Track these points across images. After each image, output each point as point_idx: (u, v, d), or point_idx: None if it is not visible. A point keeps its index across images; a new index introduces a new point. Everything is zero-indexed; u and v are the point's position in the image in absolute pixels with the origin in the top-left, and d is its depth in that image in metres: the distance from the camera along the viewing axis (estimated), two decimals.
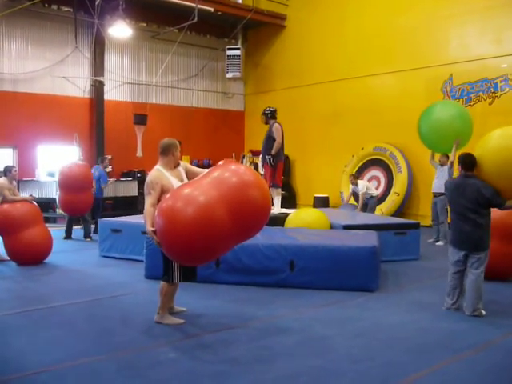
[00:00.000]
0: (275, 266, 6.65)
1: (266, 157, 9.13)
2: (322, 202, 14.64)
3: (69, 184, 10.09)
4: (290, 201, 15.92)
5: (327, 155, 15.67)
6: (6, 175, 8.41)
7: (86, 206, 10.66)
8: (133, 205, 14.53)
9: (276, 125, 9.22)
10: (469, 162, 5.66)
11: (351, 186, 12.19)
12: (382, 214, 13.26)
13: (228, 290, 6.54)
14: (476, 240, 5.58)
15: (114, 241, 8.78)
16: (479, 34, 12.53)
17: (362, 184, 11.92)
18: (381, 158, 14.15)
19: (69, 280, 7.28)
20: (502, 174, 5.50)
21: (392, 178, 13.76)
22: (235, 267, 6.72)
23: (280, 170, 9.45)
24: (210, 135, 17.58)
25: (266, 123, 9.37)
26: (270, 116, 9.31)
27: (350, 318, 5.49)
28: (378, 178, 14.20)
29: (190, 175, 5.28)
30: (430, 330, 5.15)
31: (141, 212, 5.69)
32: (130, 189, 14.77)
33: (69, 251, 9.56)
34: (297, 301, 6.14)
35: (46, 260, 8.51)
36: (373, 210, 11.85)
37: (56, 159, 14.60)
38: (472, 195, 5.54)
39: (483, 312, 5.63)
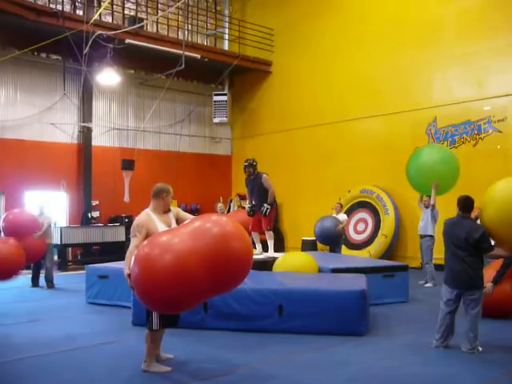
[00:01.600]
0: (264, 311, 6.58)
1: (264, 208, 9.12)
2: (310, 245, 14.61)
3: (16, 230, 9.53)
4: (278, 244, 15.84)
5: (314, 198, 15.74)
6: None
7: (36, 253, 10.07)
8: (120, 250, 14.35)
9: (265, 175, 9.26)
10: (466, 204, 5.88)
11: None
12: (369, 256, 13.27)
13: (216, 336, 6.44)
14: (467, 279, 5.69)
15: (101, 287, 8.66)
16: (461, 78, 12.85)
17: (344, 216, 12.06)
18: (368, 200, 14.25)
19: (53, 328, 7.12)
20: (502, 224, 5.65)
21: (379, 220, 13.82)
22: (224, 312, 6.65)
23: (273, 214, 9.60)
24: (197, 180, 17.64)
25: (251, 174, 9.34)
26: (256, 168, 9.33)
27: (339, 364, 5.41)
28: (365, 221, 14.26)
29: (180, 222, 5.28)
30: (423, 374, 5.09)
31: None
32: (117, 234, 14.66)
33: (54, 298, 9.42)
34: (285, 346, 6.06)
35: (31, 306, 8.36)
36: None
37: (51, 205, 14.55)
38: (463, 235, 5.69)
39: (480, 348, 5.71)
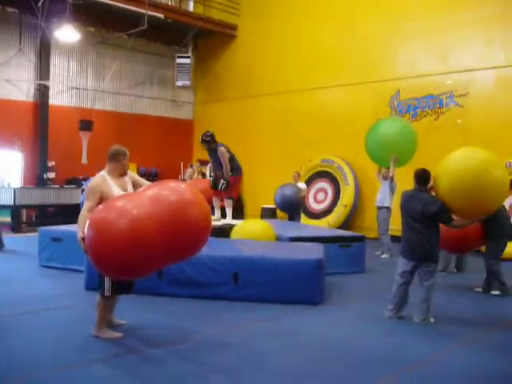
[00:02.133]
0: (219, 278, 6.52)
1: (220, 184, 8.99)
2: (269, 213, 14.60)
3: None
4: (237, 211, 15.80)
5: (275, 166, 15.65)
6: None
7: None
8: (76, 212, 14.00)
9: (221, 148, 8.95)
10: (422, 177, 5.89)
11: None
12: (329, 225, 13.34)
13: (170, 303, 6.37)
14: (424, 251, 5.76)
15: (54, 250, 8.44)
16: (425, 51, 12.83)
17: (303, 185, 12.05)
18: (328, 170, 14.25)
19: (1, 290, 6.93)
20: (456, 194, 5.64)
21: (339, 190, 13.87)
22: (178, 279, 6.56)
23: (237, 184, 9.48)
24: (158, 143, 17.33)
25: (209, 148, 9.11)
26: (212, 140, 9.11)
27: (293, 332, 5.41)
28: (325, 190, 14.29)
29: (137, 187, 5.14)
30: (375, 344, 5.14)
31: None
32: (73, 196, 14.29)
33: (5, 261, 9.17)
34: (240, 314, 6.03)
35: None
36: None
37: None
38: (419, 208, 5.72)
39: (431, 319, 5.83)
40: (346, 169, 13.81)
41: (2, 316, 5.73)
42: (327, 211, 13.93)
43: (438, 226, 5.81)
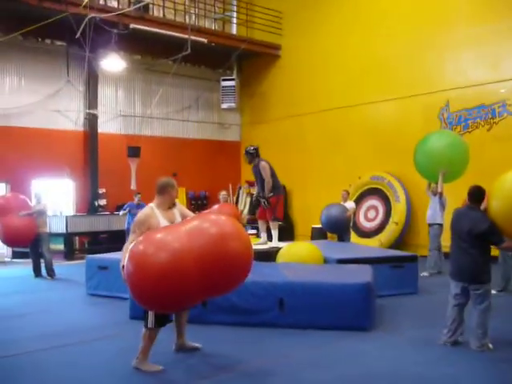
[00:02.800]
0: (264, 304, 6.32)
1: (261, 200, 8.89)
2: (320, 234, 14.31)
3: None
4: (287, 232, 15.62)
5: (325, 185, 15.40)
6: None
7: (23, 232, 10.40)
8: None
9: (263, 163, 8.86)
10: (474, 195, 5.54)
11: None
12: (381, 244, 12.98)
13: (215, 331, 6.20)
14: (471, 272, 5.42)
15: (101, 278, 8.45)
16: (475, 60, 12.43)
17: (351, 204, 11.72)
18: (378, 187, 13.91)
19: (48, 321, 6.92)
20: (509, 217, 5.30)
21: (390, 208, 13.49)
22: (222, 306, 6.40)
23: (280, 203, 9.26)
24: (206, 166, 17.37)
25: (251, 162, 9.01)
26: (256, 154, 8.99)
27: (341, 361, 5.15)
28: (375, 208, 13.93)
29: (184, 219, 5.11)
30: (428, 375, 4.80)
31: None
32: (124, 222, 14.42)
33: (54, 289, 9.27)
34: (286, 342, 5.80)
35: (29, 298, 8.26)
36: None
37: (50, 193, 14.43)
38: (466, 226, 5.39)
39: (490, 346, 5.42)
40: (397, 185, 13.42)
41: (49, 348, 5.69)
42: (379, 229, 13.55)
43: (487, 245, 5.44)
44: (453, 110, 12.78)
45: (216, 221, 4.70)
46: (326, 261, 8.17)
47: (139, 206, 12.40)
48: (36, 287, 9.61)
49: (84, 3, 12.89)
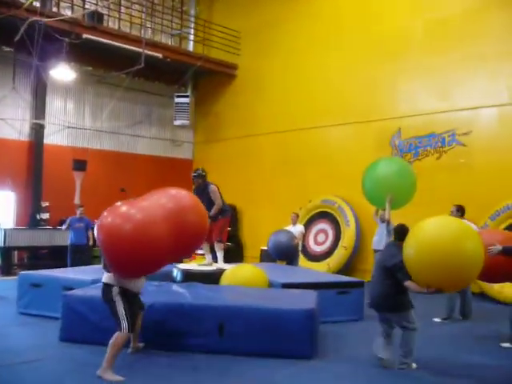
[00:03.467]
0: (202, 328, 6.02)
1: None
2: (269, 256, 14.08)
3: None
4: (236, 253, 15.37)
5: (275, 206, 15.22)
6: None
7: None
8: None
9: (212, 186, 8.75)
10: (398, 233, 5.78)
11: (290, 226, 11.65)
12: (329, 268, 12.85)
13: (148, 355, 5.86)
14: (384, 302, 5.54)
15: (34, 296, 7.97)
16: (427, 89, 12.55)
17: (300, 228, 11.55)
18: (329, 210, 13.83)
19: None
20: (416, 262, 5.23)
21: (340, 232, 13.41)
22: (158, 329, 6.07)
23: (225, 226, 9.14)
24: (155, 183, 16.66)
25: (199, 186, 8.83)
26: (205, 177, 8.86)
27: None
28: (325, 232, 13.82)
29: None
30: None
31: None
32: (67, 237, 13.84)
33: None
34: (222, 370, 5.50)
35: None
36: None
37: None
38: (383, 259, 5.66)
39: (413, 365, 5.53)
40: (347, 210, 13.36)
41: None
42: (328, 253, 13.44)
43: (396, 278, 5.44)
44: (404, 138, 12.87)
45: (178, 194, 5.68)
46: (271, 284, 7.93)
47: (81, 220, 11.97)
48: None
49: (26, 5, 12.46)
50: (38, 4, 13.53)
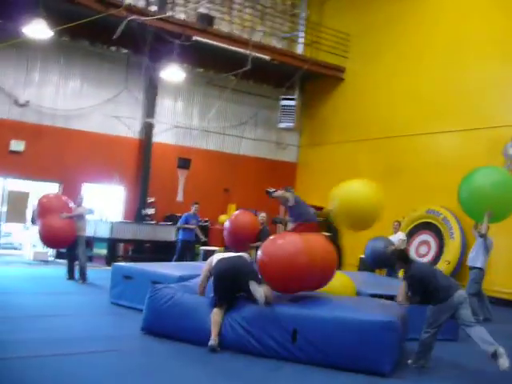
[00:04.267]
0: (275, 334, 5.86)
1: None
2: (367, 264, 13.67)
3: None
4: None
5: None
6: None
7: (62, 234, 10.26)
8: (170, 250, 13.86)
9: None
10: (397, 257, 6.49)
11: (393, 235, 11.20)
12: None
13: (222, 360, 5.80)
14: None
15: (125, 287, 8.25)
16: None
17: (401, 236, 11.03)
18: (433, 221, 13.16)
19: (61, 327, 6.69)
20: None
21: (443, 245, 12.71)
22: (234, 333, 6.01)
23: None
24: (259, 185, 16.97)
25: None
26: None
27: None
28: (428, 243, 13.17)
29: None
30: None
31: None
32: (168, 233, 14.29)
33: (80, 294, 9.18)
34: (293, 382, 5.30)
35: (53, 300, 8.18)
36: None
37: (99, 198, 14.56)
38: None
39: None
40: (453, 221, 12.64)
41: (56, 355, 5.41)
42: None
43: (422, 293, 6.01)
44: None
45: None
46: (358, 294, 7.62)
47: (195, 217, 11.99)
48: (64, 289, 9.53)
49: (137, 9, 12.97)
50: (156, 8, 14.16)
